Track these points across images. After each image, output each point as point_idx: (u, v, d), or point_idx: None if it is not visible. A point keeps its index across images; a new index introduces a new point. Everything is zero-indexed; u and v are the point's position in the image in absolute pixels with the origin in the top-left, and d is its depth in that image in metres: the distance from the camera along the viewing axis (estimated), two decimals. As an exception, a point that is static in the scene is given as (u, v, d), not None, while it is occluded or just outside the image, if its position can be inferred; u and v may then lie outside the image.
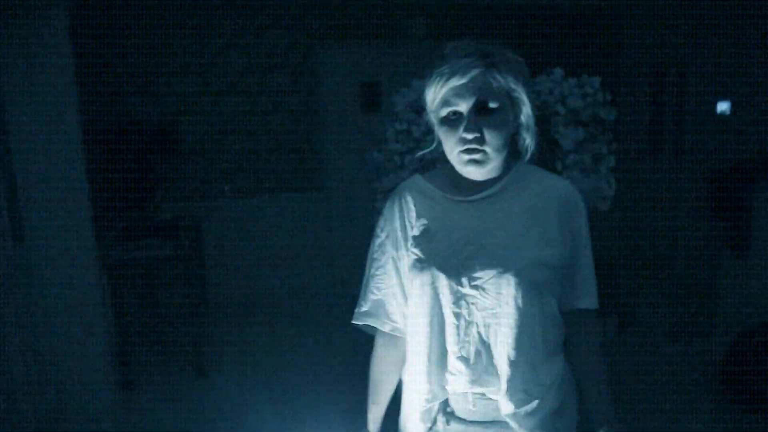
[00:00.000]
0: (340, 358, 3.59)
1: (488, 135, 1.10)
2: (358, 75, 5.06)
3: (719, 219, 3.47)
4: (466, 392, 1.20)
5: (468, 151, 1.11)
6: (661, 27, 5.38)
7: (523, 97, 1.15)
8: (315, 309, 4.64)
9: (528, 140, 1.21)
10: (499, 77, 1.11)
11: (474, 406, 1.21)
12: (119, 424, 3.00)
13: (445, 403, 1.23)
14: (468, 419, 1.22)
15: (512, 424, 1.17)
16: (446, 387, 1.21)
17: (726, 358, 3.07)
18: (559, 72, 2.11)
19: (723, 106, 4.69)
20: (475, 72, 1.09)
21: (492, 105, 1.10)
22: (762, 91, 4.34)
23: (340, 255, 5.12)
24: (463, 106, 1.10)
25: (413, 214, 1.23)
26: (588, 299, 1.23)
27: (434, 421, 1.24)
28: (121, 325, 3.35)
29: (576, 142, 2.01)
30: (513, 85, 1.13)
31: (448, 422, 1.23)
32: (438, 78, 1.12)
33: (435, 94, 1.13)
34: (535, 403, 1.17)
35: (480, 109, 1.10)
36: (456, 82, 1.09)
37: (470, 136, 1.10)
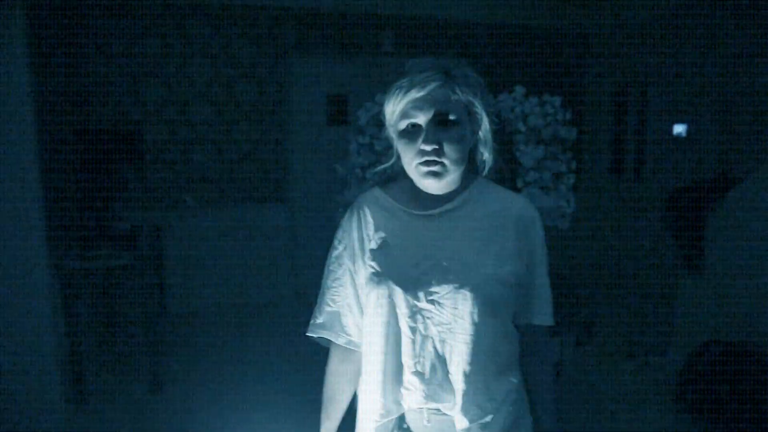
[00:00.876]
0: (300, 370, 3.54)
1: (447, 147, 1.11)
2: (326, 87, 5.07)
3: (675, 238, 3.56)
4: (421, 408, 1.19)
5: (427, 163, 1.11)
6: (625, 48, 5.54)
7: (482, 112, 1.17)
8: (277, 321, 4.58)
9: (486, 155, 1.22)
10: (458, 90, 1.12)
11: (429, 421, 1.20)
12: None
13: (401, 419, 1.22)
14: (423, 435, 1.21)
15: None
16: (401, 402, 1.20)
17: (680, 374, 3.14)
18: (520, 90, 2.15)
19: (679, 129, 4.84)
20: (434, 85, 1.10)
21: (451, 117, 1.11)
22: (718, 114, 4.49)
23: (303, 266, 5.08)
24: (422, 119, 1.11)
25: (371, 226, 1.23)
26: (543, 316, 1.24)
27: (389, 437, 1.23)
28: (73, 336, 3.24)
29: (536, 160, 2.04)
30: (472, 99, 1.14)
31: (404, 438, 1.22)
32: (397, 91, 1.12)
33: (394, 106, 1.14)
34: (489, 418, 1.17)
35: (439, 122, 1.11)
36: (415, 94, 1.10)
37: (429, 148, 1.10)
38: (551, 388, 1.30)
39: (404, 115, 1.12)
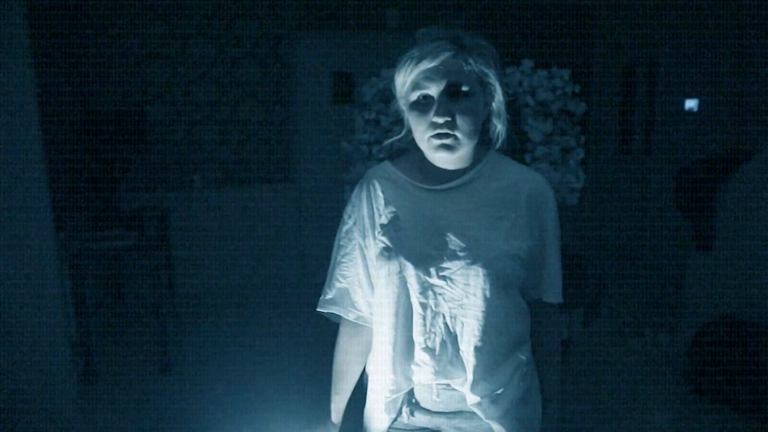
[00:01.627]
0: (309, 350, 3.56)
1: (459, 119, 1.08)
2: (330, 65, 5.02)
3: (685, 214, 3.52)
4: (431, 383, 1.19)
5: (439, 135, 1.09)
6: (634, 23, 5.45)
7: (495, 84, 1.13)
8: (285, 301, 4.59)
9: (499, 128, 1.18)
10: (470, 61, 1.08)
11: (438, 396, 1.20)
12: (80, 415, 2.92)
13: (410, 394, 1.22)
14: (433, 410, 1.22)
15: (478, 413, 1.17)
16: (411, 378, 1.19)
17: (689, 350, 3.13)
18: (528, 63, 2.10)
19: (690, 104, 4.77)
20: (446, 55, 1.06)
21: (463, 89, 1.08)
22: (729, 89, 4.42)
23: (310, 246, 5.08)
24: (434, 90, 1.07)
25: (381, 201, 1.20)
26: (553, 293, 1.23)
27: (399, 412, 1.23)
28: (82, 317, 3.26)
29: (545, 134, 2.01)
30: (485, 70, 1.11)
31: (412, 413, 1.22)
32: (408, 61, 1.09)
33: (405, 77, 1.10)
34: (500, 391, 1.16)
35: (451, 93, 1.07)
36: (427, 65, 1.06)
37: (441, 120, 1.07)
38: (558, 365, 1.30)
39: (415, 86, 1.09)
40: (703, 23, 4.59)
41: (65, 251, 3.19)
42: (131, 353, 3.65)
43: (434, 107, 1.07)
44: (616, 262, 5.52)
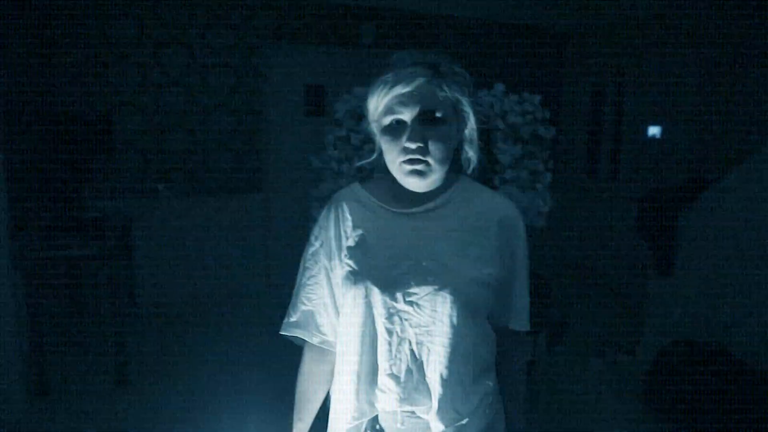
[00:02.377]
0: (272, 366, 3.50)
1: (432, 146, 1.07)
2: (304, 78, 5.01)
3: (646, 239, 3.60)
4: (396, 410, 1.17)
5: (411, 161, 1.08)
6: (603, 48, 5.58)
7: (469, 110, 1.13)
8: (249, 314, 4.52)
9: (471, 154, 1.18)
10: (445, 87, 1.08)
11: (403, 424, 1.18)
12: (32, 430, 2.81)
13: (375, 420, 1.20)
14: (396, 437, 1.19)
15: None
16: (375, 404, 1.17)
17: (649, 371, 3.18)
18: (500, 88, 2.13)
19: (654, 130, 4.90)
20: (420, 81, 1.06)
21: (437, 115, 1.07)
22: (693, 116, 4.55)
23: (276, 259, 5.02)
24: (407, 115, 1.07)
25: (349, 223, 1.19)
26: (520, 321, 1.23)
27: (363, 439, 1.21)
28: (36, 327, 3.14)
29: (514, 158, 2.03)
30: (459, 96, 1.11)
31: (376, 440, 1.20)
32: (382, 86, 1.08)
33: (378, 101, 1.09)
34: (465, 421, 1.15)
35: (424, 119, 1.07)
36: (400, 90, 1.06)
37: (413, 146, 1.06)
38: (522, 389, 1.29)
39: (389, 110, 1.08)
40: (668, 51, 4.74)
41: (20, 259, 3.08)
42: (88, 366, 3.53)
43: (407, 133, 1.07)
44: (580, 283, 5.60)
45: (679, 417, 2.95)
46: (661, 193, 3.57)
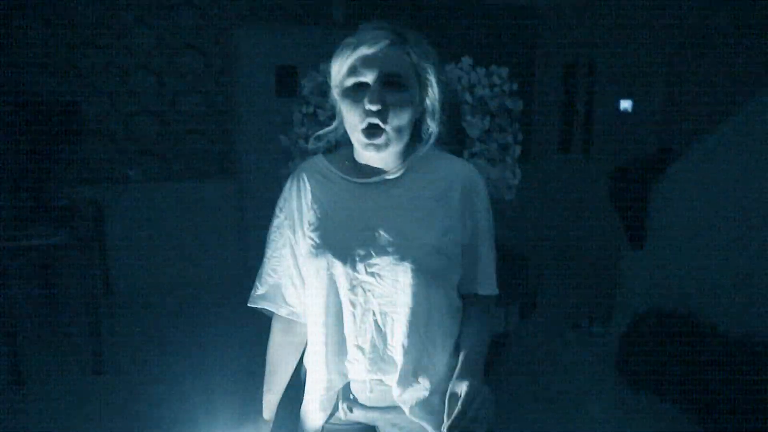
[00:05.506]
0: (249, 348, 3.49)
1: (392, 111, 1.06)
2: (274, 58, 4.93)
3: (618, 212, 3.65)
4: (365, 379, 1.18)
5: (369, 134, 1.07)
6: (574, 23, 5.59)
7: (432, 79, 1.12)
8: (224, 299, 4.49)
9: (432, 127, 1.16)
10: (409, 52, 1.07)
11: (372, 392, 1.19)
12: (7, 424, 2.78)
13: (347, 389, 1.21)
14: (367, 405, 1.21)
15: (405, 410, 1.16)
16: (346, 374, 1.18)
17: (622, 342, 3.25)
18: (467, 61, 2.12)
19: (625, 104, 4.94)
20: (384, 43, 1.04)
21: (399, 79, 1.06)
22: (663, 89, 4.60)
23: (251, 242, 4.98)
24: (369, 77, 1.05)
25: (310, 196, 1.18)
26: (488, 286, 1.22)
27: (335, 408, 1.22)
28: (9, 319, 3.09)
29: (483, 131, 2.03)
30: (424, 64, 1.09)
31: (350, 409, 1.21)
32: (345, 48, 1.07)
33: (341, 64, 1.08)
34: (427, 390, 1.16)
35: (386, 82, 1.05)
36: (364, 51, 1.04)
37: (374, 108, 1.04)
38: (485, 343, 1.19)
39: (351, 71, 1.06)
40: (639, 25, 4.77)
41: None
42: (62, 354, 3.49)
43: (368, 95, 1.05)
44: (554, 257, 5.67)
45: (652, 387, 3.03)
46: (632, 164, 3.61)
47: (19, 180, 4.05)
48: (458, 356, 1.17)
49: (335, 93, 1.13)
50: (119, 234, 4.54)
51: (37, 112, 4.13)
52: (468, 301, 1.24)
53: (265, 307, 1.26)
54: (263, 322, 1.33)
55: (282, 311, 1.25)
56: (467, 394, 1.00)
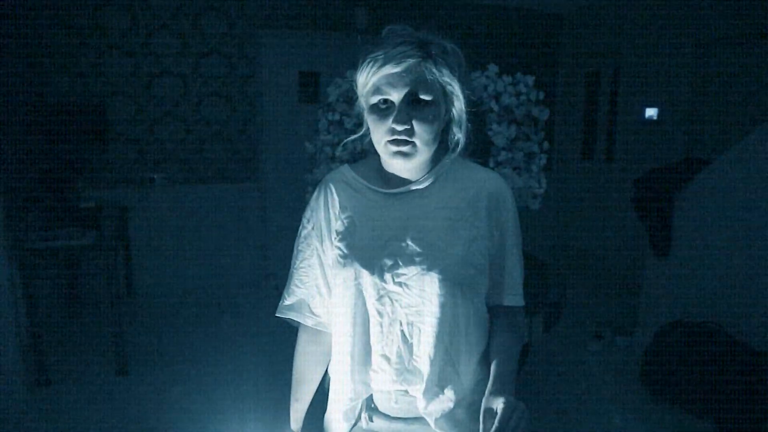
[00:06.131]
0: (270, 351, 3.51)
1: (418, 127, 1.06)
2: (297, 64, 4.97)
3: (642, 220, 3.60)
4: (390, 390, 1.17)
5: (396, 142, 1.07)
6: (598, 29, 5.55)
7: (458, 92, 1.11)
8: (246, 302, 4.53)
9: (458, 136, 1.16)
10: (434, 69, 1.06)
11: (397, 402, 1.18)
12: (33, 423, 2.82)
13: (369, 399, 1.20)
14: (391, 415, 1.20)
15: (430, 422, 1.15)
16: (370, 384, 1.17)
17: (646, 353, 3.20)
18: (493, 69, 2.12)
19: (650, 112, 4.88)
20: (410, 62, 1.04)
21: (425, 97, 1.06)
22: (689, 97, 4.54)
23: (272, 247, 5.03)
24: (395, 96, 1.05)
25: (338, 206, 1.18)
26: (514, 296, 1.21)
27: (358, 418, 1.21)
28: (34, 317, 3.15)
29: (509, 139, 2.02)
30: (448, 79, 1.08)
31: (371, 418, 1.21)
32: (371, 63, 1.06)
33: (367, 79, 1.08)
34: (452, 402, 1.15)
35: (412, 100, 1.06)
36: (390, 69, 1.04)
37: (400, 128, 1.05)
38: (515, 358, 1.18)
39: (376, 90, 1.07)
40: (664, 34, 4.71)
41: (16, 251, 3.07)
42: (87, 355, 3.54)
43: (394, 114, 1.05)
44: (577, 266, 5.62)
45: (676, 398, 2.97)
46: (657, 173, 3.56)
47: (47, 182, 4.13)
48: (484, 368, 1.17)
49: (362, 101, 1.13)
50: (143, 236, 4.60)
51: (65, 115, 4.21)
52: (495, 313, 1.23)
53: (292, 317, 1.26)
54: (284, 324, 1.33)
55: (309, 321, 1.25)
56: (504, 410, 0.98)
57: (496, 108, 2.00)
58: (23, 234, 3.19)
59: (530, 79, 2.11)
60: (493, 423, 0.97)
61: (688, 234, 3.36)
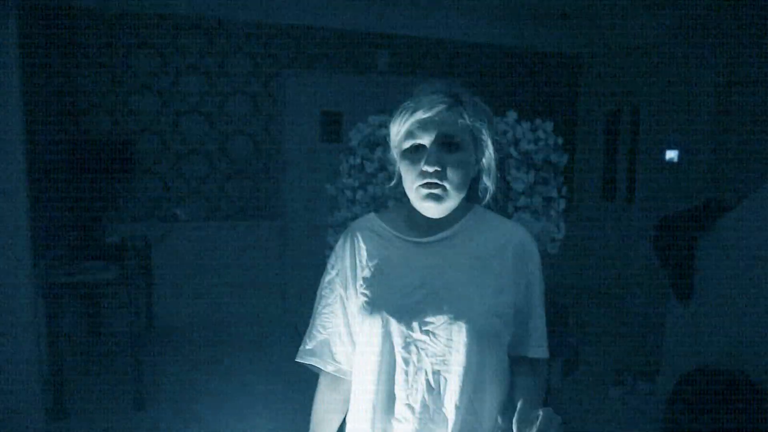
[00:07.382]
0: (286, 392, 3.50)
1: (450, 171, 1.09)
2: (320, 104, 5.08)
3: (664, 264, 3.56)
4: (411, 439, 1.17)
5: (428, 185, 1.09)
6: (617, 72, 5.59)
7: (487, 140, 1.15)
8: (264, 340, 4.53)
9: (488, 184, 1.19)
10: (465, 115, 1.11)
11: (418, 452, 1.17)
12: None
13: (390, 448, 1.20)
14: (412, 464, 1.19)
15: None
16: (390, 432, 1.17)
17: (668, 401, 3.12)
18: (512, 115, 2.15)
19: (671, 154, 4.87)
20: (441, 107, 1.09)
21: (455, 140, 1.10)
22: (710, 139, 4.53)
23: (291, 285, 5.04)
24: (426, 140, 1.09)
25: (365, 253, 1.20)
26: (538, 348, 1.21)
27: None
28: (56, 351, 3.19)
29: (527, 184, 2.04)
30: (479, 125, 1.13)
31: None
32: (404, 111, 1.11)
33: (399, 126, 1.13)
34: None
35: (443, 144, 1.09)
36: (421, 115, 1.09)
37: (431, 169, 1.08)
38: (539, 393, 1.23)
39: (409, 135, 1.11)
40: (684, 75, 4.73)
41: (42, 284, 3.14)
42: (105, 389, 3.56)
43: (425, 157, 1.09)
44: (598, 309, 5.54)
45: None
46: (679, 216, 3.52)
47: (75, 217, 4.22)
48: (504, 419, 1.16)
49: (395, 153, 1.18)
50: (165, 271, 4.66)
51: (94, 151, 4.33)
52: (517, 363, 1.22)
53: (313, 363, 1.27)
54: (303, 365, 1.33)
55: (329, 368, 1.26)
56: (543, 420, 0.98)
57: (515, 154, 2.03)
58: (49, 268, 3.26)
59: (549, 125, 2.14)
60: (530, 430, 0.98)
61: (711, 278, 3.31)
